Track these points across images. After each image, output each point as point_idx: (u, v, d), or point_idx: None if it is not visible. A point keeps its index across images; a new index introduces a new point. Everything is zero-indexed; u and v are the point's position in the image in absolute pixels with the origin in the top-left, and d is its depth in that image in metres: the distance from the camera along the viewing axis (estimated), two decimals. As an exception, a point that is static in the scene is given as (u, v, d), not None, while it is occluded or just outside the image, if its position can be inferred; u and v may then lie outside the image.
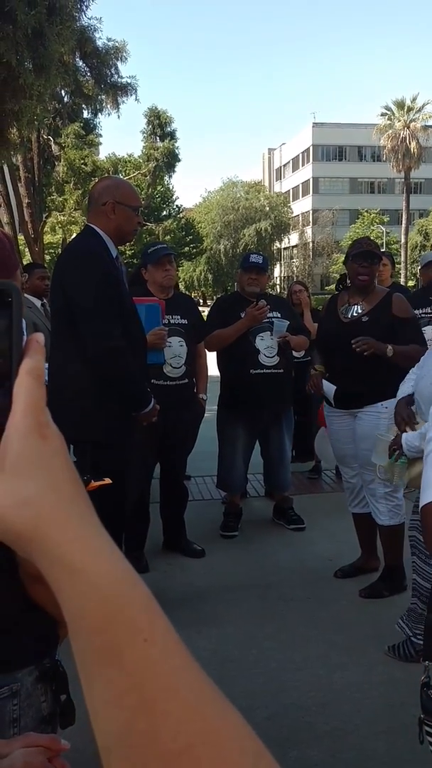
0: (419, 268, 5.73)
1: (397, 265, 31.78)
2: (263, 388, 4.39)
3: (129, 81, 19.31)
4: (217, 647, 3.18)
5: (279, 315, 4.51)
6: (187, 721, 0.38)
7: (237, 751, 0.38)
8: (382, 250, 4.31)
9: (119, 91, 19.04)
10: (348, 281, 3.80)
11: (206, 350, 4.47)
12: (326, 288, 37.75)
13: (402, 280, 32.80)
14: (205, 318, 4.64)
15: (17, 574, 1.13)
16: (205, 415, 4.52)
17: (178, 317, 4.11)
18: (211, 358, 4.53)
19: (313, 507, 5.09)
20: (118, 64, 18.54)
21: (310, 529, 4.71)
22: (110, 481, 1.60)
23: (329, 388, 3.80)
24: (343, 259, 4.11)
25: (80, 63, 17.75)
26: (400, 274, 36.55)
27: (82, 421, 2.79)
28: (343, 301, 3.81)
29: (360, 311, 3.68)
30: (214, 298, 50.53)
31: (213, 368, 4.59)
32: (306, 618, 3.49)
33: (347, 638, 3.27)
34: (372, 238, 4.54)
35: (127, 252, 31.95)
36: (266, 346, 4.45)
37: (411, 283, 27.93)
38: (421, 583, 2.83)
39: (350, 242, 3.90)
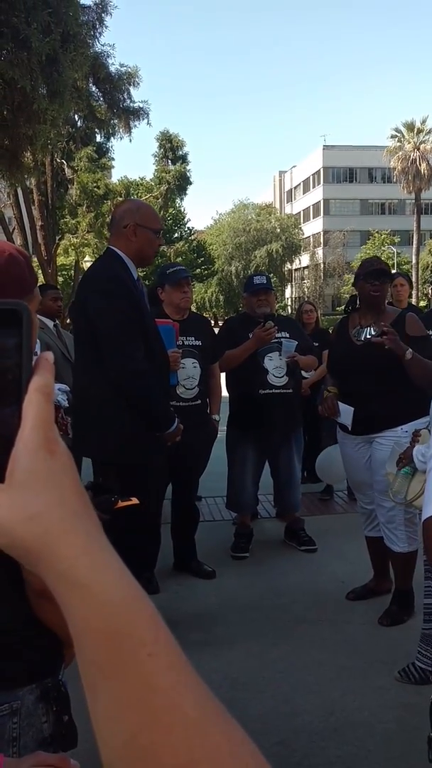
0: (430, 287, 5.73)
1: (408, 286, 31.58)
2: (272, 408, 4.40)
3: (141, 105, 19.61)
4: (228, 669, 3.15)
5: (287, 335, 4.52)
6: (190, 736, 0.38)
7: (239, 766, 0.39)
8: (394, 271, 4.27)
9: (131, 115, 19.33)
10: (358, 302, 3.75)
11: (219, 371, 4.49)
12: (337, 309, 37.79)
13: (413, 301, 32.70)
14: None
15: (23, 591, 1.13)
16: (217, 435, 4.52)
17: (192, 338, 4.14)
18: (222, 378, 4.55)
19: (325, 528, 5.06)
20: (131, 89, 18.83)
21: (321, 551, 4.67)
22: (137, 501, 1.61)
23: (346, 410, 3.67)
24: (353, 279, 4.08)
25: (93, 88, 18.04)
26: (411, 294, 36.50)
27: (107, 442, 2.81)
28: (354, 323, 3.74)
29: (373, 333, 3.59)
30: (226, 319, 51.01)
31: (224, 389, 4.60)
32: (318, 640, 3.45)
33: (360, 661, 3.23)
34: (383, 258, 4.51)
35: (140, 273, 32.13)
36: (275, 366, 4.46)
37: (422, 303, 27.87)
38: (426, 601, 2.80)
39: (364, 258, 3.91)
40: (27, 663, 1.23)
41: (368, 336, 3.62)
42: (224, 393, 4.58)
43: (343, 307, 4.05)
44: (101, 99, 18.60)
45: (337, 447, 4.83)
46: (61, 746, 1.29)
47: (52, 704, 1.27)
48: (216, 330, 4.76)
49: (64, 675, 1.31)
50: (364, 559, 3.99)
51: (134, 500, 1.60)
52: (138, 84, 18.85)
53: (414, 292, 37.83)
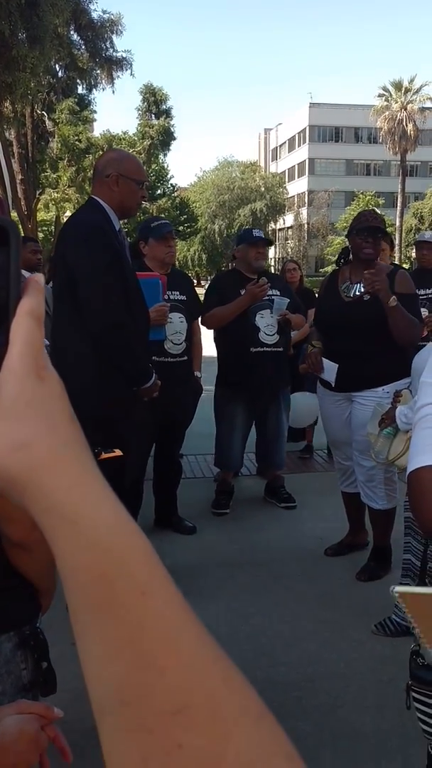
0: (414, 242, 5.69)
1: (391, 248, 31.53)
2: (263, 367, 4.36)
3: (124, 55, 19.11)
4: (208, 622, 3.12)
5: (278, 293, 4.48)
6: (185, 679, 0.36)
7: (237, 710, 0.37)
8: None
9: (114, 65, 18.85)
10: (351, 256, 3.67)
11: (203, 328, 4.44)
12: (321, 270, 37.55)
13: (396, 263, 32.63)
14: (200, 295, 4.60)
15: None
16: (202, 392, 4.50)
17: (177, 293, 4.08)
18: (205, 336, 4.50)
19: (304, 486, 5.11)
20: (114, 37, 18.35)
21: (300, 508, 4.72)
22: (121, 453, 1.59)
23: (330, 367, 3.64)
24: (337, 240, 4.02)
25: (75, 36, 17.52)
26: (394, 257, 36.41)
27: (83, 395, 2.77)
28: (344, 278, 3.68)
29: (363, 290, 3.55)
30: (209, 278, 50.27)
31: (207, 347, 4.56)
32: (296, 595, 3.51)
33: (337, 615, 3.29)
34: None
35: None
36: (266, 324, 4.42)
37: (405, 266, 27.85)
38: (415, 563, 2.84)
39: (348, 221, 3.78)
40: (4, 611, 1.23)
41: (357, 293, 3.58)
42: (206, 352, 4.54)
43: (327, 268, 3.99)
44: (83, 47, 18.10)
45: (305, 394, 4.87)
46: (41, 692, 1.30)
47: (30, 651, 1.27)
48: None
49: (41, 623, 1.32)
50: (342, 516, 4.04)
51: (117, 452, 1.59)
52: (121, 32, 18.39)
53: (397, 255, 37.80)
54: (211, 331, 4.59)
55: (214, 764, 0.35)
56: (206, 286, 5.01)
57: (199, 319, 4.37)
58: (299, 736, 2.45)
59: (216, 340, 4.58)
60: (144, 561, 0.39)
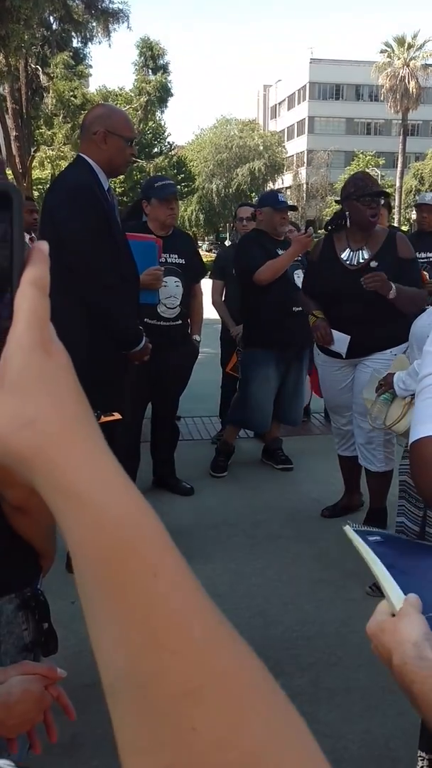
0: (414, 205, 5.62)
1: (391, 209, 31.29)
2: (300, 326, 4.28)
3: (121, 7, 18.60)
4: (205, 583, 3.14)
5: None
6: (197, 661, 0.36)
7: (250, 691, 0.37)
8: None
9: (110, 17, 18.35)
10: (347, 222, 3.56)
11: (208, 292, 4.35)
12: (319, 231, 37.19)
13: (396, 224, 32.35)
14: (204, 259, 4.53)
15: None
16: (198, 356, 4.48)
17: (176, 256, 4.01)
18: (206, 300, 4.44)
19: (301, 449, 5.13)
20: (110, -13, 17.77)
21: (297, 470, 4.76)
22: (120, 417, 1.59)
23: (341, 338, 3.56)
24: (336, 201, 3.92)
25: (70, -14, 17.00)
26: (393, 218, 36.07)
27: (72, 358, 2.75)
28: (342, 245, 3.61)
29: (366, 256, 3.50)
30: (206, 238, 49.56)
31: (207, 311, 4.52)
32: (293, 555, 3.56)
33: (333, 575, 3.34)
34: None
35: (117, 189, 31.23)
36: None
37: (405, 228, 27.57)
38: (410, 526, 2.87)
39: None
40: (5, 573, 1.24)
41: (362, 260, 3.52)
42: (205, 315, 4.50)
43: (323, 229, 3.90)
44: (78, -2, 17.57)
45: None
46: (42, 652, 1.33)
47: (32, 612, 1.29)
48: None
49: (42, 584, 1.33)
50: (338, 478, 4.07)
51: (117, 415, 1.59)
52: (117, -17, 17.79)
53: (396, 216, 37.41)
54: (210, 295, 4.53)
55: (229, 746, 0.34)
56: (215, 249, 4.95)
57: (203, 283, 4.32)
58: (295, 692, 2.51)
59: (249, 301, 4.47)
60: (155, 541, 0.38)
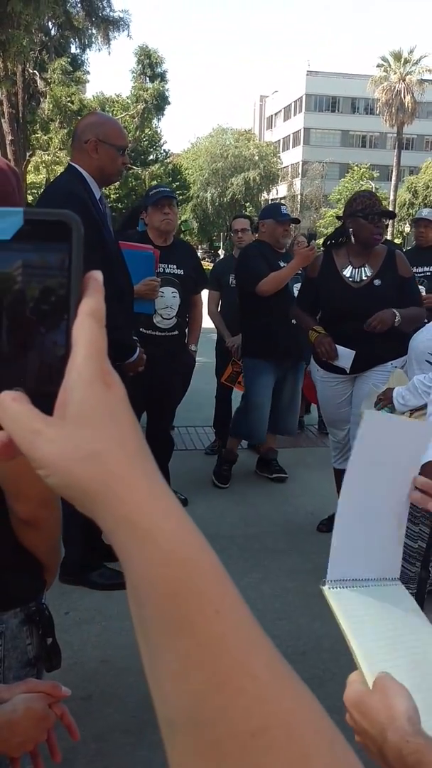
0: (411, 220, 5.67)
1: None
2: (297, 336, 4.30)
3: (121, 15, 18.67)
4: None
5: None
6: (262, 700, 0.35)
7: (312, 732, 0.36)
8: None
9: (110, 25, 18.41)
10: (351, 238, 3.55)
11: (205, 302, 4.37)
12: (312, 243, 37.28)
13: (388, 238, 32.52)
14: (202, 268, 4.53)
15: (7, 518, 1.11)
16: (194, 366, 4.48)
17: (174, 267, 4.00)
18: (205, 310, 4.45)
19: (296, 460, 5.13)
20: (110, -4, 17.85)
21: (292, 482, 4.75)
22: None
23: (346, 354, 3.56)
24: (330, 212, 3.95)
25: (71, -7, 17.06)
26: (386, 231, 36.28)
27: None
28: (343, 262, 3.61)
29: (369, 274, 3.52)
30: (200, 247, 49.67)
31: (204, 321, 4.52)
32: (287, 569, 3.54)
33: (327, 590, 3.32)
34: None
35: (112, 196, 31.28)
36: None
37: (398, 241, 27.74)
38: (406, 542, 2.87)
39: (342, 193, 3.66)
40: (11, 587, 1.23)
41: (365, 278, 3.55)
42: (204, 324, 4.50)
43: (320, 241, 3.93)
44: (79, 5, 17.63)
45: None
46: (45, 667, 1.31)
47: (36, 627, 1.27)
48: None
49: (46, 598, 1.32)
50: (332, 490, 4.06)
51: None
52: (118, -9, 17.87)
53: (390, 230, 37.64)
54: (206, 305, 4.54)
55: None
56: (214, 259, 4.96)
57: (204, 292, 4.34)
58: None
59: (249, 311, 4.49)
60: (216, 577, 0.38)
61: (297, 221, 4.81)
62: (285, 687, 0.37)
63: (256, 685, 0.36)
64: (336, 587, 0.92)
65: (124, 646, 2.73)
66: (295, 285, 4.44)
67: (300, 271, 4.40)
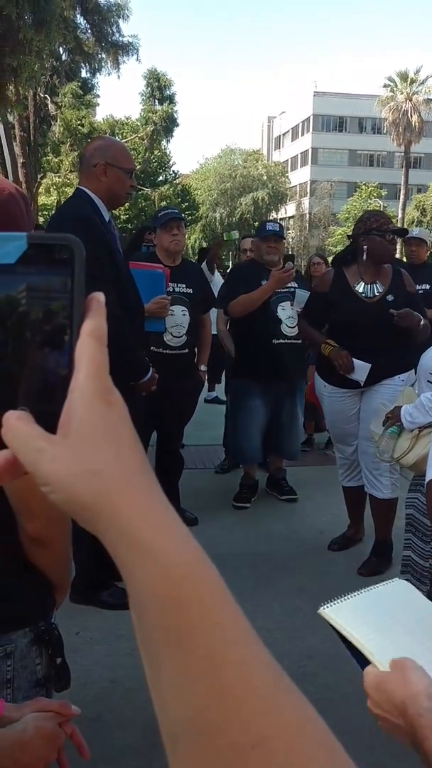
0: (403, 239, 5.68)
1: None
2: (284, 358, 4.33)
3: (130, 40, 18.95)
4: None
5: (296, 285, 4.46)
6: (262, 712, 0.36)
7: (313, 745, 0.37)
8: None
9: (120, 50, 18.69)
10: (364, 255, 3.59)
11: (213, 321, 4.40)
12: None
13: (396, 256, 32.58)
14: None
15: (17, 536, 1.12)
16: (204, 385, 4.50)
17: (183, 286, 4.04)
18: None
19: (305, 479, 5.12)
20: (120, 22, 18.17)
21: (302, 501, 4.74)
22: None
23: (362, 366, 3.59)
24: (339, 231, 4.04)
25: (81, 20, 17.36)
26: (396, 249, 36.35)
27: None
28: (355, 278, 3.66)
29: (381, 290, 3.60)
30: (233, 265, 50.04)
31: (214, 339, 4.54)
32: (297, 588, 3.52)
33: (338, 609, 3.30)
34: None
35: (122, 217, 31.55)
36: (287, 315, 4.40)
37: (404, 260, 27.74)
38: (417, 561, 2.85)
39: (351, 211, 3.69)
40: (20, 607, 1.23)
41: (377, 293, 3.61)
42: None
43: (329, 258, 3.99)
44: (89, 31, 17.93)
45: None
46: (54, 687, 1.31)
47: (45, 647, 1.27)
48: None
49: (55, 617, 1.32)
50: (343, 509, 4.05)
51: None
52: (128, 17, 18.21)
53: (398, 247, 37.70)
54: (215, 324, 4.57)
55: None
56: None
57: (212, 311, 4.34)
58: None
59: (234, 331, 4.53)
60: (216, 590, 0.39)
61: (280, 236, 4.56)
62: (285, 699, 0.38)
63: (257, 696, 0.36)
64: (332, 605, 0.94)
65: (134, 667, 2.71)
66: (280, 304, 4.39)
67: (286, 289, 4.36)
